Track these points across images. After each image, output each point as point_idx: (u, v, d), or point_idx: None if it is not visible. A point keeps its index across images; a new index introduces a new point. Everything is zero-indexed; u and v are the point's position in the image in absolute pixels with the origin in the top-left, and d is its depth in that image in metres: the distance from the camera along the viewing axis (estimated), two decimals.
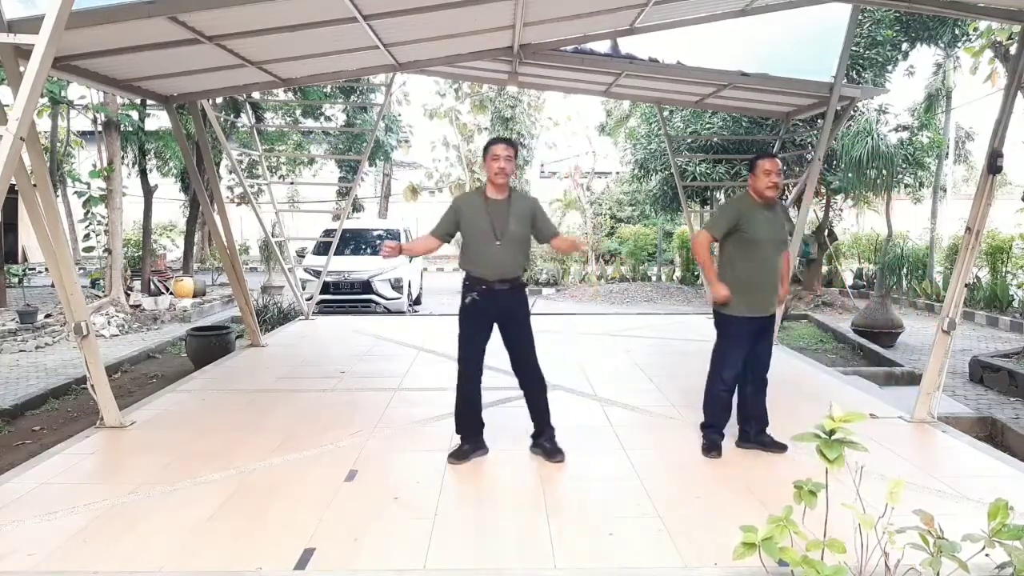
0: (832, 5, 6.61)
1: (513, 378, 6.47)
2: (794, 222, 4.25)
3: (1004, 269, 12.57)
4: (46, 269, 6.59)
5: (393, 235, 13.78)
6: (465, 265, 4.18)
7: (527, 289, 4.32)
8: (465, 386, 4.27)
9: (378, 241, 13.78)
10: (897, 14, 11.46)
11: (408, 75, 11.49)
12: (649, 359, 7.31)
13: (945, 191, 15.96)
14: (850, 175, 12.53)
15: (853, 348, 9.09)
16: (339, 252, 11.44)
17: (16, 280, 12.67)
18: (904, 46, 12.12)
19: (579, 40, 7.03)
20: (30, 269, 15.37)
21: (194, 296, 13.35)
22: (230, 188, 16.28)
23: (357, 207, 21.23)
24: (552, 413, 4.38)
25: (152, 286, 13.56)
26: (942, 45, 12.61)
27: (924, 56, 14.29)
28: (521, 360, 4.25)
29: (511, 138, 4.94)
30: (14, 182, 3.55)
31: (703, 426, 4.43)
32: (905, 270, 14.78)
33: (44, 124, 12.66)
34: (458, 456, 4.19)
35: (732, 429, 4.44)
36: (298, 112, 16.54)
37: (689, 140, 13.28)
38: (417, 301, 13.94)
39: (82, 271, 15.85)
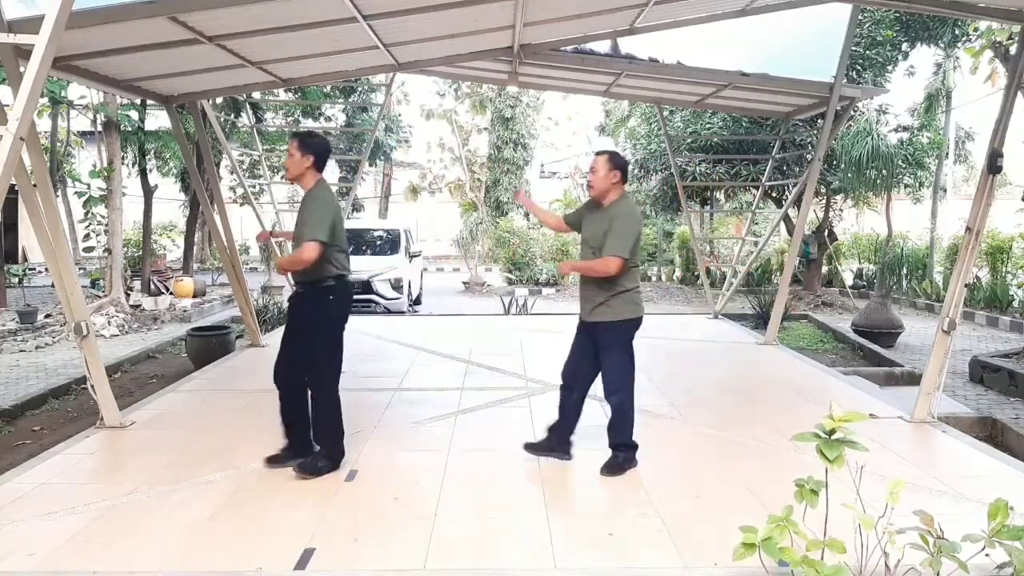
0: (832, 5, 6.61)
1: (511, 378, 6.50)
2: (617, 225, 3.91)
3: (1004, 269, 12.56)
4: (46, 269, 6.59)
5: (393, 235, 13.79)
6: None
7: (329, 296, 3.90)
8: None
9: (378, 241, 13.81)
10: (897, 14, 11.46)
11: (408, 75, 11.49)
12: (649, 359, 7.29)
13: (945, 191, 15.95)
14: (850, 175, 12.52)
15: (853, 348, 9.09)
16: None
17: (16, 280, 12.66)
18: (904, 46, 12.11)
19: (579, 40, 7.03)
20: (30, 269, 15.34)
21: (194, 296, 13.34)
22: (232, 189, 16.28)
23: (357, 207, 21.23)
24: (551, 413, 4.36)
25: (152, 286, 13.55)
26: (942, 45, 12.61)
27: (924, 56, 14.24)
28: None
29: (299, 131, 4.68)
30: (14, 182, 3.55)
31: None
32: (905, 270, 14.78)
33: (44, 124, 12.64)
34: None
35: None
36: (298, 112, 16.54)
37: (689, 140, 13.28)
38: (417, 301, 13.94)
39: (82, 271, 15.84)
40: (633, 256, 3.92)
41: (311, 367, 3.94)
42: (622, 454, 4.06)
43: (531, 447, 4.19)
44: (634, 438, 4.17)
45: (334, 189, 17.79)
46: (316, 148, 3.91)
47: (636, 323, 4.06)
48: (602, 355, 4.01)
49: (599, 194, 3.97)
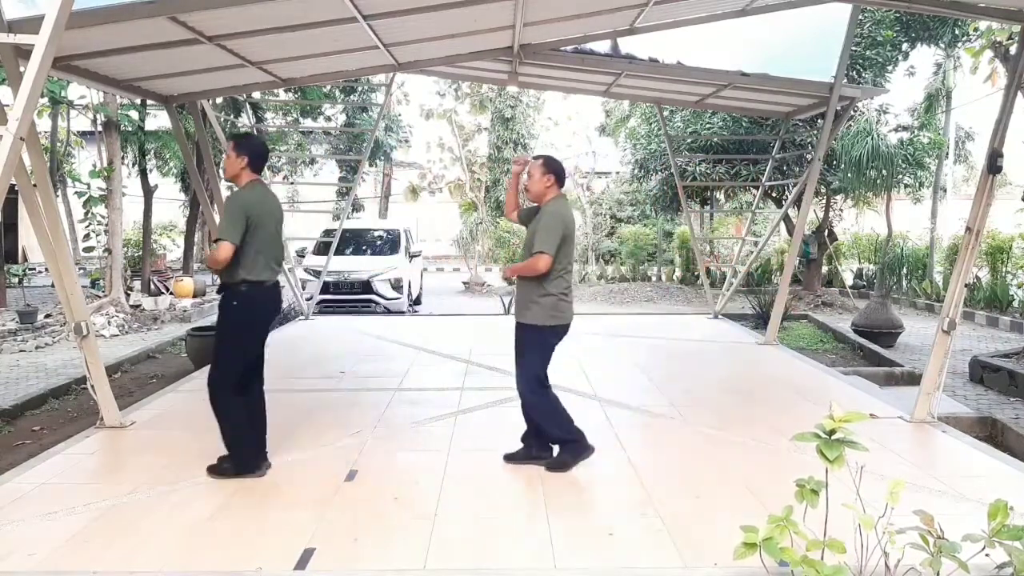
0: (832, 5, 6.61)
1: (511, 378, 6.47)
2: (543, 224, 3.89)
3: (1004, 269, 12.56)
4: (46, 269, 6.59)
5: (393, 235, 13.79)
6: None
7: (233, 302, 3.84)
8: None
9: (378, 241, 13.81)
10: (897, 14, 11.45)
11: (408, 75, 11.50)
12: (649, 359, 7.31)
13: (945, 191, 15.95)
14: (850, 175, 12.52)
15: (853, 348, 9.09)
16: (339, 252, 11.44)
17: (16, 280, 12.65)
18: (904, 46, 12.11)
19: (579, 40, 7.03)
20: (30, 269, 15.33)
21: (194, 296, 13.34)
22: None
23: (357, 207, 21.24)
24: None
25: (152, 286, 13.55)
26: (942, 45, 12.61)
27: (924, 56, 14.25)
28: None
29: (236, 133, 4.64)
30: (14, 182, 3.55)
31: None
32: (905, 270, 14.78)
33: (44, 124, 12.63)
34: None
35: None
36: (298, 112, 16.54)
37: (689, 140, 13.28)
38: (417, 301, 13.94)
39: (82, 271, 15.83)
40: (561, 258, 3.88)
41: (211, 369, 3.89)
42: (564, 452, 4.02)
43: (510, 457, 4.18)
44: (635, 438, 4.15)
45: (334, 190, 17.75)
46: (251, 149, 3.90)
47: (557, 330, 3.99)
48: (519, 353, 4.04)
49: (535, 197, 4.05)
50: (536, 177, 4.00)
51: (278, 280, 4.08)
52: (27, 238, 19.05)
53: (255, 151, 3.93)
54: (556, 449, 4.14)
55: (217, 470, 3.90)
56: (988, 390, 7.16)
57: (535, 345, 3.99)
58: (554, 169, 4.02)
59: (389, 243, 13.56)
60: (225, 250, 3.67)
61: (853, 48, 10.44)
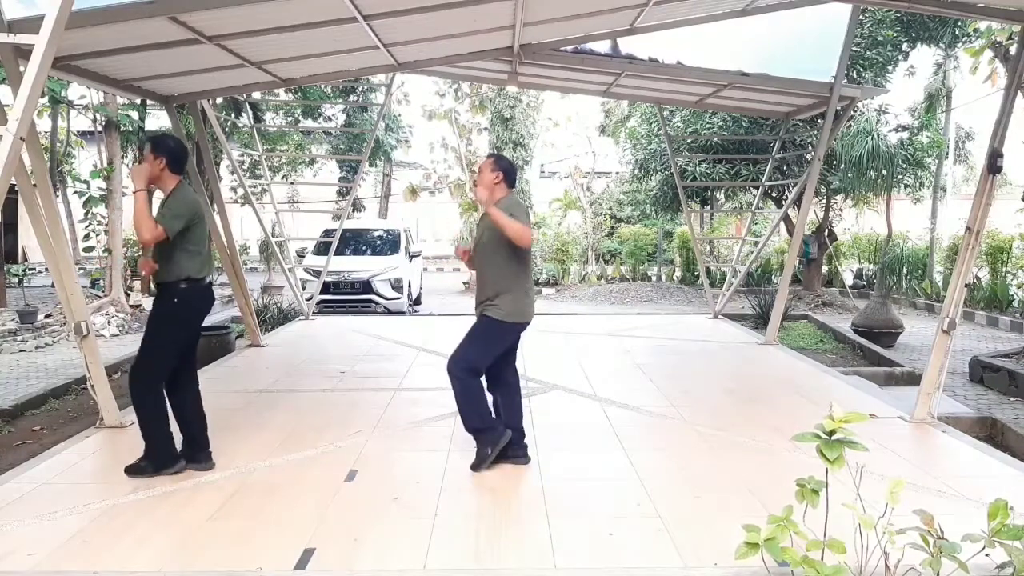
0: (832, 5, 6.61)
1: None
2: (514, 213, 3.80)
3: (1004, 269, 12.56)
4: (46, 269, 6.60)
5: (393, 235, 13.79)
6: None
7: (174, 300, 3.85)
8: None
9: (378, 241, 13.82)
10: (898, 14, 11.46)
11: (408, 76, 11.50)
12: (649, 359, 7.31)
13: (945, 191, 15.96)
14: (850, 175, 12.52)
15: (853, 348, 9.09)
16: (339, 252, 11.45)
17: (16, 280, 12.66)
18: (904, 46, 12.12)
19: (579, 40, 7.03)
20: (30, 269, 15.34)
21: None
22: (232, 189, 16.26)
23: (357, 207, 21.21)
24: (550, 413, 4.36)
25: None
26: (942, 45, 12.62)
27: (924, 56, 14.26)
28: None
29: (152, 135, 4.57)
30: (14, 182, 3.55)
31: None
32: (905, 270, 14.77)
33: (44, 124, 12.64)
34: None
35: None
36: (298, 112, 16.53)
37: (689, 140, 13.28)
38: (417, 301, 13.94)
39: (82, 271, 15.79)
40: (525, 253, 3.84)
41: (137, 360, 3.93)
42: (482, 444, 3.95)
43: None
44: (635, 438, 4.13)
45: (334, 190, 17.70)
46: (168, 150, 3.84)
47: (515, 328, 3.92)
48: (467, 335, 3.94)
49: (483, 196, 3.94)
50: (485, 175, 3.90)
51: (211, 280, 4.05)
52: (27, 238, 19.04)
53: (172, 152, 3.86)
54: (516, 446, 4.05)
55: (135, 469, 3.89)
56: (988, 390, 7.16)
57: (488, 336, 3.88)
58: (503, 167, 3.91)
59: (389, 243, 13.57)
60: (159, 236, 3.65)
61: (853, 48, 10.44)
